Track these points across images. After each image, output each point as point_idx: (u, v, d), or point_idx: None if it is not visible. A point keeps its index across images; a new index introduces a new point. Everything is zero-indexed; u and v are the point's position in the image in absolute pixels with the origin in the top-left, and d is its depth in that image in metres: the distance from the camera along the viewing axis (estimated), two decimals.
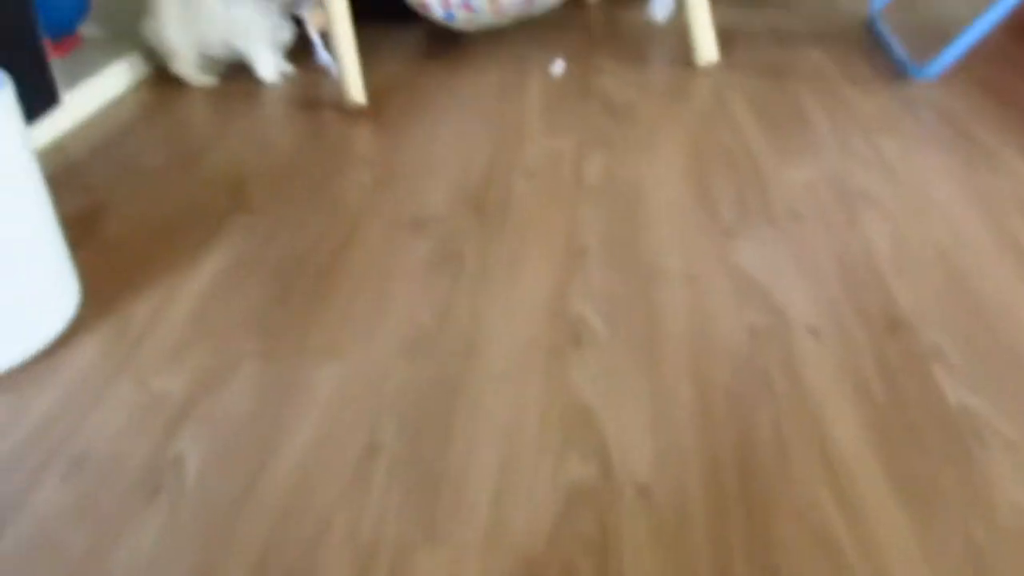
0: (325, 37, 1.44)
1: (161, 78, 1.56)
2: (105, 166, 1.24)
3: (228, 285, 0.93)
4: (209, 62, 1.51)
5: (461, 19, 1.52)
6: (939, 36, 1.49)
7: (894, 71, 1.40)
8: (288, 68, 1.54)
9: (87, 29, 1.61)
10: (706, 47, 1.48)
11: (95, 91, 1.45)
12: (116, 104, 1.46)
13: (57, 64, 1.47)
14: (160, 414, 0.75)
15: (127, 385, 0.79)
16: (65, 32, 1.54)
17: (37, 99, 1.29)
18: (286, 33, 1.50)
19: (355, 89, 1.37)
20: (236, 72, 1.54)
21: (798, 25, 1.67)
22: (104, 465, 0.70)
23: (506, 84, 1.45)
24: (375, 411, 0.74)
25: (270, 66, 1.50)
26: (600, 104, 1.35)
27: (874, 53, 1.49)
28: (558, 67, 1.51)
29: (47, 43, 1.34)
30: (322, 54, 1.48)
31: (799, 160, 1.13)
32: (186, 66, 1.49)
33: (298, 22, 1.50)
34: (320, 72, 1.53)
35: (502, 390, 0.75)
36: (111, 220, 1.08)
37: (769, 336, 0.80)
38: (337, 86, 1.40)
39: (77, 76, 1.44)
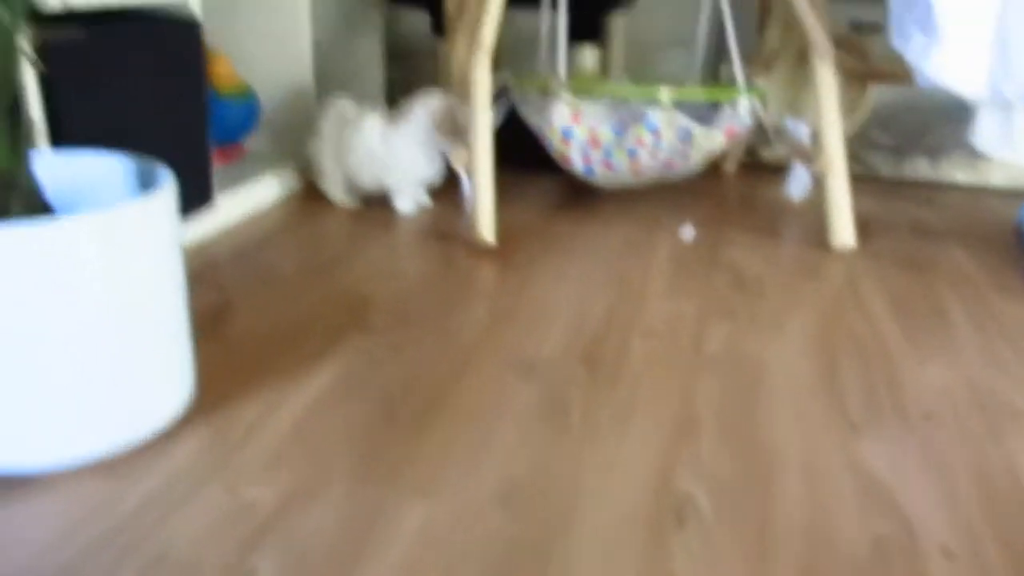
0: (467, 175, 1.49)
1: (309, 193, 1.64)
2: (241, 269, 1.29)
3: (334, 402, 0.93)
4: (354, 187, 1.57)
5: (600, 175, 1.55)
6: None
7: None
8: (426, 201, 1.59)
9: (252, 142, 1.73)
10: (842, 231, 1.45)
11: (246, 198, 1.53)
12: (263, 212, 1.54)
13: (218, 170, 1.57)
14: (243, 524, 0.73)
15: (218, 489, 0.78)
16: (231, 142, 1.65)
17: (194, 199, 1.38)
18: (433, 170, 1.56)
19: (486, 228, 1.40)
20: (377, 197, 1.60)
21: (942, 222, 1.62)
22: (180, 568, 0.68)
23: (634, 242, 1.46)
24: (458, 558, 0.70)
25: (410, 201, 1.56)
26: (727, 274, 1.33)
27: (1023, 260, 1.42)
28: (688, 232, 1.50)
29: (213, 150, 1.43)
30: (466, 190, 1.53)
31: (937, 360, 1.07)
32: (334, 187, 1.56)
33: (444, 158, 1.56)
34: (456, 207, 1.58)
35: (594, 560, 0.70)
36: (236, 321, 1.11)
37: (895, 549, 0.72)
38: (470, 223, 1.44)
39: (233, 182, 1.53)
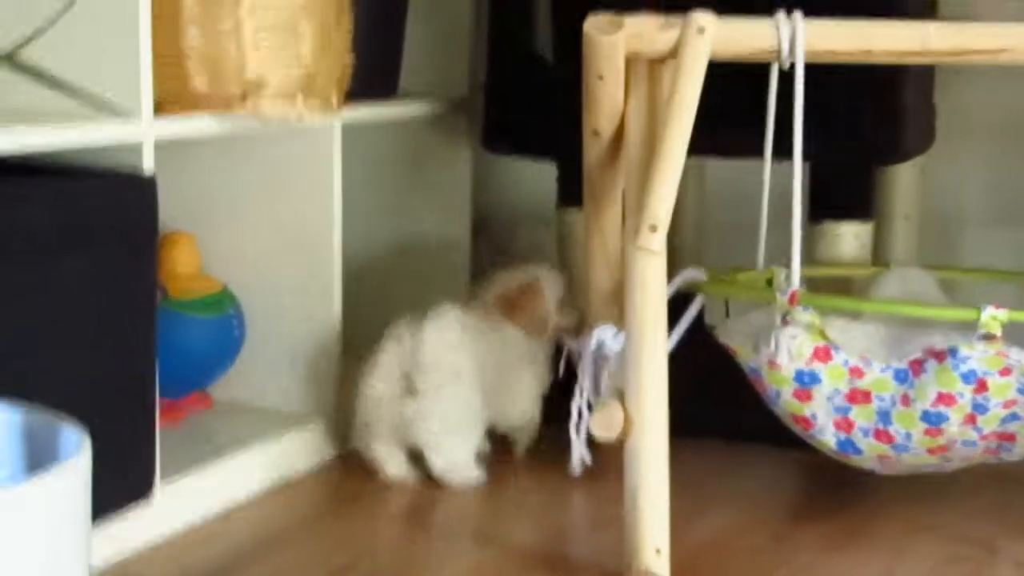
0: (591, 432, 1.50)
1: (331, 475, 1.70)
2: None
3: None
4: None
5: (868, 454, 1.54)
6: None
7: None
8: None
9: (226, 386, 1.77)
10: None
11: (213, 484, 1.54)
12: (238, 510, 1.56)
13: (166, 434, 1.59)
14: None
15: None
16: (192, 386, 1.71)
17: (121, 486, 1.38)
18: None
19: (652, 548, 1.38)
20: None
21: None
22: None
23: None
24: None
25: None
26: None
27: None
28: None
29: (161, 401, 1.47)
30: (577, 460, 1.58)
31: None
32: (390, 456, 1.64)
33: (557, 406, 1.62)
34: (594, 498, 1.60)
35: None
36: None
37: None
38: (626, 538, 1.42)
39: (193, 457, 1.55)
